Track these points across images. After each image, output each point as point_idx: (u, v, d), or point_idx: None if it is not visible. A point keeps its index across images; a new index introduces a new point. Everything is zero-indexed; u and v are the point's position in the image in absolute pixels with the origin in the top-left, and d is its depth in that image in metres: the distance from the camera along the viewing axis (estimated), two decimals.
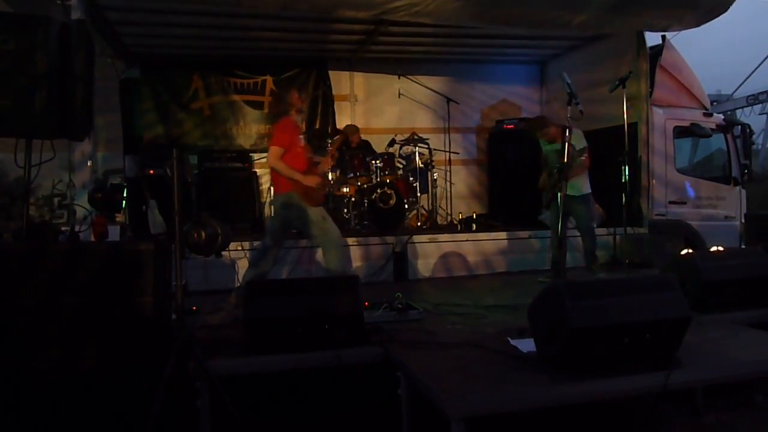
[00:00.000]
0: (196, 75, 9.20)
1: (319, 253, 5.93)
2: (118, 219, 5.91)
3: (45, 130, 3.74)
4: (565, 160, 5.51)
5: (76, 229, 4.36)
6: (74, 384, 3.27)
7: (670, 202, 8.14)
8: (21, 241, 3.83)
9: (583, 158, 6.10)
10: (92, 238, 4.78)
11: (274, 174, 5.36)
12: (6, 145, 4.05)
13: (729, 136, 8.59)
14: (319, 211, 5.33)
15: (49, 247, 3.62)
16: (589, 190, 6.33)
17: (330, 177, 7.66)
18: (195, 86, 9.22)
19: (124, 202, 5.31)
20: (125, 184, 6.46)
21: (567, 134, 5.61)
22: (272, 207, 5.57)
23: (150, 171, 7.46)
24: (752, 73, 17.91)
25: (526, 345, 3.48)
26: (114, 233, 5.68)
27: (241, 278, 6.15)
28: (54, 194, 6.63)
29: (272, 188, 5.60)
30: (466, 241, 7.35)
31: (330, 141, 7.93)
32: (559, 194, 5.94)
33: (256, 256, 5.60)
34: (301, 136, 5.43)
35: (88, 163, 5.90)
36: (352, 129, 8.60)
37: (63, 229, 4.83)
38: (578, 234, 6.57)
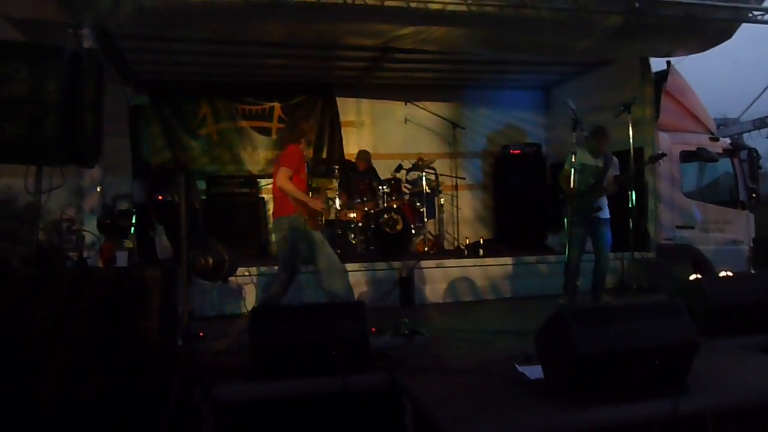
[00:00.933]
0: (205, 101, 9.31)
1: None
2: (126, 244, 5.93)
3: (55, 157, 3.79)
4: (604, 183, 5.96)
5: (85, 254, 4.39)
6: (80, 409, 3.26)
7: (678, 227, 8.11)
8: (30, 266, 3.86)
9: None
10: (100, 264, 4.81)
11: (280, 195, 5.37)
12: (16, 170, 4.10)
13: (736, 160, 8.58)
14: (320, 235, 5.36)
15: (56, 273, 3.65)
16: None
17: (337, 204, 7.74)
18: (203, 112, 9.32)
19: (132, 227, 5.34)
20: (133, 209, 6.49)
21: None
22: (275, 233, 5.54)
23: (158, 196, 7.51)
24: (759, 96, 17.88)
25: (534, 371, 3.45)
26: (122, 259, 5.70)
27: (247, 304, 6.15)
28: (63, 219, 6.67)
29: (274, 212, 5.58)
30: (473, 266, 7.33)
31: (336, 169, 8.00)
32: (566, 219, 5.97)
33: (268, 283, 5.63)
34: (305, 164, 5.50)
35: (97, 189, 5.95)
36: (363, 155, 8.66)
37: (71, 254, 4.86)
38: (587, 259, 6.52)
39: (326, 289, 5.32)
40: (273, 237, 5.63)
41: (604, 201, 6.22)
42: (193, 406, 3.20)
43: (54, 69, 3.69)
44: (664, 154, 6.79)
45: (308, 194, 5.48)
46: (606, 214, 6.22)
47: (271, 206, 9.03)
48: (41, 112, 3.65)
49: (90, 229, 5.38)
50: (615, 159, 6.28)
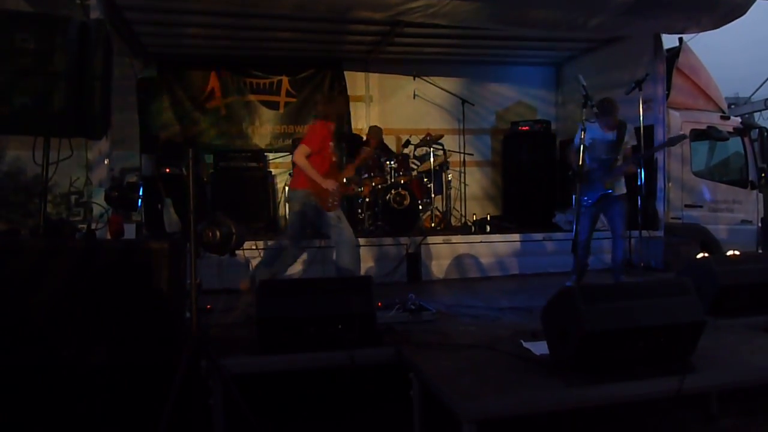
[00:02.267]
0: (213, 75, 9.27)
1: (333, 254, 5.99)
2: (134, 217, 5.95)
3: (63, 129, 3.79)
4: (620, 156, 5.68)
5: (93, 227, 4.40)
6: (88, 381, 3.30)
7: (687, 206, 8.08)
8: (38, 238, 3.87)
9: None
10: (108, 236, 4.82)
11: (296, 169, 5.53)
12: (24, 143, 4.10)
13: (746, 140, 8.52)
14: (333, 214, 5.47)
15: (65, 245, 3.66)
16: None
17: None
18: (211, 86, 9.29)
19: (140, 200, 5.36)
20: (141, 182, 6.51)
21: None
22: (288, 204, 5.67)
23: (166, 170, 7.52)
24: None
25: (540, 347, 3.47)
26: (130, 231, 5.72)
27: (252, 270, 6.15)
28: (71, 192, 6.70)
29: (289, 183, 5.71)
30: (480, 242, 7.33)
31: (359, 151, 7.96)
32: (574, 196, 5.89)
33: (271, 255, 5.69)
34: (331, 144, 5.58)
35: (105, 162, 5.95)
36: (375, 132, 8.62)
37: (80, 226, 4.88)
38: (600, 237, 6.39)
39: (335, 262, 5.50)
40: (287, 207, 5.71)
41: (620, 178, 5.95)
42: (201, 378, 3.23)
43: (61, 40, 3.67)
44: (684, 136, 6.46)
45: (332, 170, 5.56)
46: (621, 190, 5.93)
47: (278, 180, 9.13)
48: (49, 83, 3.64)
49: (98, 202, 5.40)
50: (630, 127, 5.94)
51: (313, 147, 5.38)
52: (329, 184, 5.39)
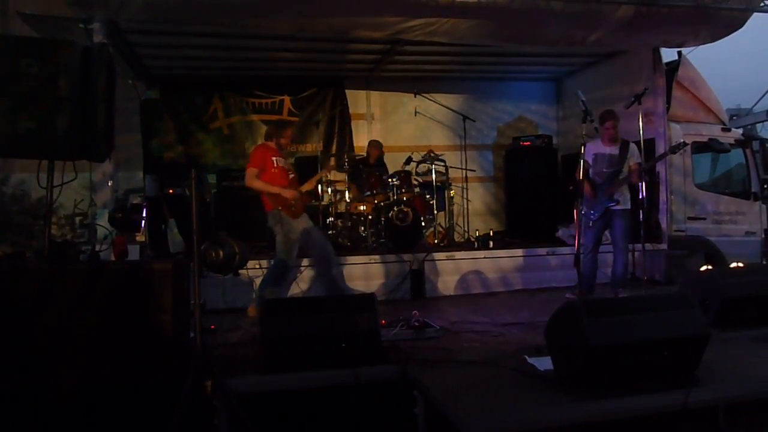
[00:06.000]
0: (215, 95, 9.35)
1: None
2: (138, 238, 5.97)
3: (67, 152, 3.82)
4: (624, 171, 5.78)
5: (97, 248, 4.42)
6: (94, 401, 3.30)
7: (689, 218, 8.08)
8: (43, 260, 3.89)
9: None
10: (112, 257, 4.84)
11: (262, 195, 5.73)
12: (29, 165, 4.14)
13: (748, 151, 8.52)
14: (304, 222, 5.70)
15: (70, 266, 3.68)
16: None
17: (347, 196, 7.80)
18: (214, 106, 9.36)
19: (143, 221, 5.39)
20: (145, 203, 6.54)
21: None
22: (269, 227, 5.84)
23: (169, 190, 7.55)
24: None
25: (544, 363, 3.46)
26: (134, 252, 5.74)
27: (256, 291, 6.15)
28: (75, 214, 6.72)
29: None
30: (484, 258, 7.31)
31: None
32: (578, 209, 5.88)
33: (274, 276, 5.72)
34: (276, 159, 5.74)
35: (109, 183, 5.99)
36: (375, 144, 8.67)
37: (84, 248, 4.91)
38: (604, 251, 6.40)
39: (323, 274, 5.75)
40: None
41: (625, 192, 6.04)
42: (206, 398, 3.23)
43: (65, 64, 3.72)
44: (685, 144, 6.47)
45: (291, 184, 5.76)
46: (625, 204, 6.01)
47: None
48: (53, 107, 3.69)
49: (102, 223, 5.43)
50: (633, 145, 6.05)
51: (255, 165, 5.59)
52: (289, 193, 5.59)
